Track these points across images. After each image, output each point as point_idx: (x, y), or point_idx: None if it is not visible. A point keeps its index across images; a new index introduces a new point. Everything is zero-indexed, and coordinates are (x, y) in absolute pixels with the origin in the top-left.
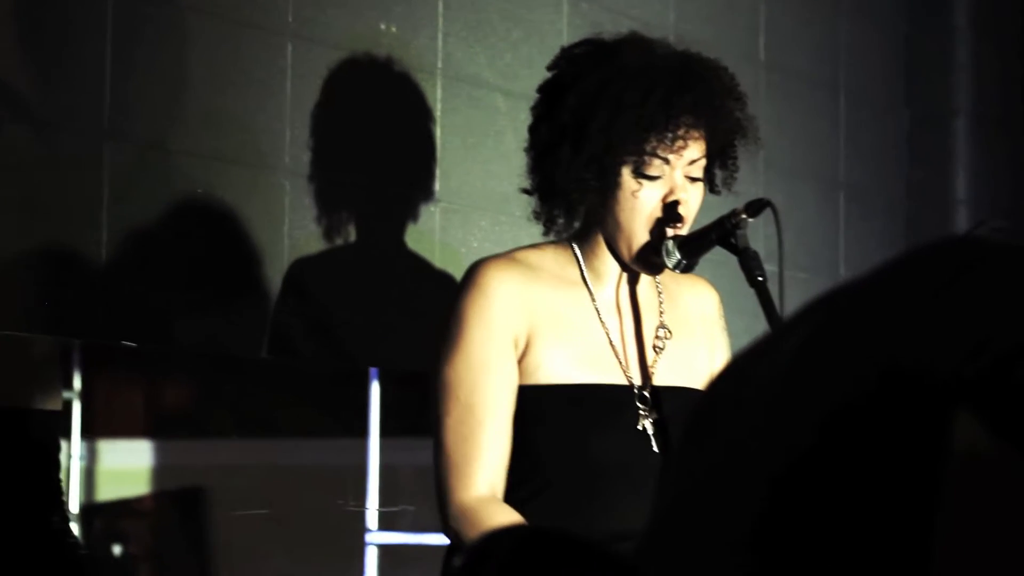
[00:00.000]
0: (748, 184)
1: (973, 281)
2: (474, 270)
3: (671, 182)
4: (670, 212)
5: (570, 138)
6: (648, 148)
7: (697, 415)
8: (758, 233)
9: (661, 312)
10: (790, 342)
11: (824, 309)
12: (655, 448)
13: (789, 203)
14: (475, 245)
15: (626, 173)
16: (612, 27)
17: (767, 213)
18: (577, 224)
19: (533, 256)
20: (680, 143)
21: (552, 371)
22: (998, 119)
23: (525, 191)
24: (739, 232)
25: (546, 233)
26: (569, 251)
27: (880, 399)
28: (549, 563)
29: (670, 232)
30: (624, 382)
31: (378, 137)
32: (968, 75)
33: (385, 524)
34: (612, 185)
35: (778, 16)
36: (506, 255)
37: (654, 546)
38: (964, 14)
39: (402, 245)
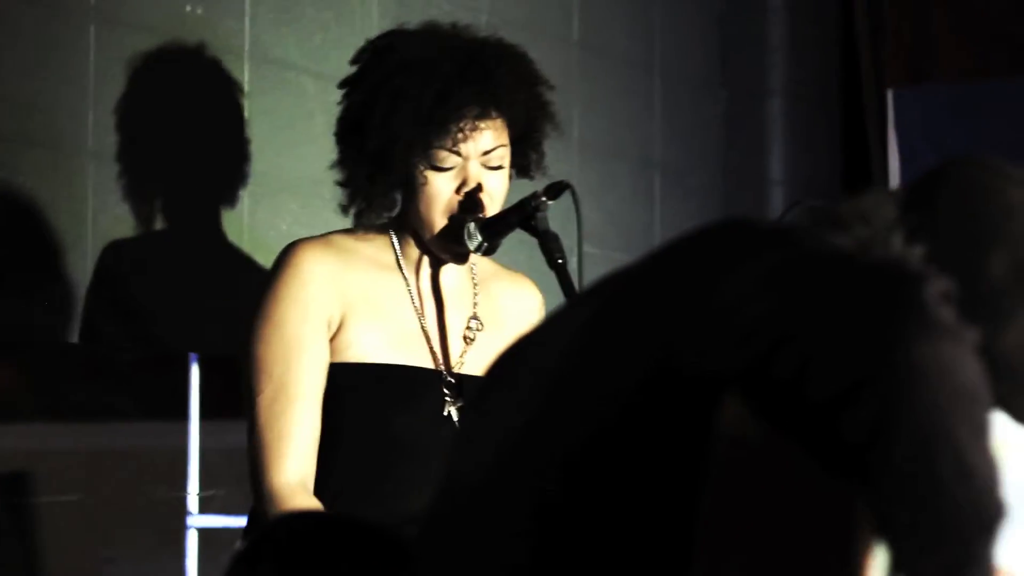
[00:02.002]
0: (563, 164)
1: (741, 274)
2: (289, 251)
3: (465, 172)
4: (467, 202)
5: (357, 135)
6: (432, 141)
7: (476, 400)
8: (570, 212)
9: (475, 304)
10: (567, 330)
11: (603, 295)
12: None
13: (604, 183)
14: (284, 228)
15: (417, 166)
16: (424, 8)
17: (571, 195)
18: (388, 214)
19: (350, 240)
20: (463, 134)
21: (362, 351)
22: (813, 99)
23: (339, 183)
24: (539, 214)
25: (356, 225)
26: (386, 237)
27: (650, 390)
28: (327, 548)
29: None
30: (432, 367)
31: (185, 120)
32: (783, 56)
33: (205, 508)
34: (405, 179)
35: None
36: (321, 237)
37: (433, 532)
38: None
39: (211, 228)
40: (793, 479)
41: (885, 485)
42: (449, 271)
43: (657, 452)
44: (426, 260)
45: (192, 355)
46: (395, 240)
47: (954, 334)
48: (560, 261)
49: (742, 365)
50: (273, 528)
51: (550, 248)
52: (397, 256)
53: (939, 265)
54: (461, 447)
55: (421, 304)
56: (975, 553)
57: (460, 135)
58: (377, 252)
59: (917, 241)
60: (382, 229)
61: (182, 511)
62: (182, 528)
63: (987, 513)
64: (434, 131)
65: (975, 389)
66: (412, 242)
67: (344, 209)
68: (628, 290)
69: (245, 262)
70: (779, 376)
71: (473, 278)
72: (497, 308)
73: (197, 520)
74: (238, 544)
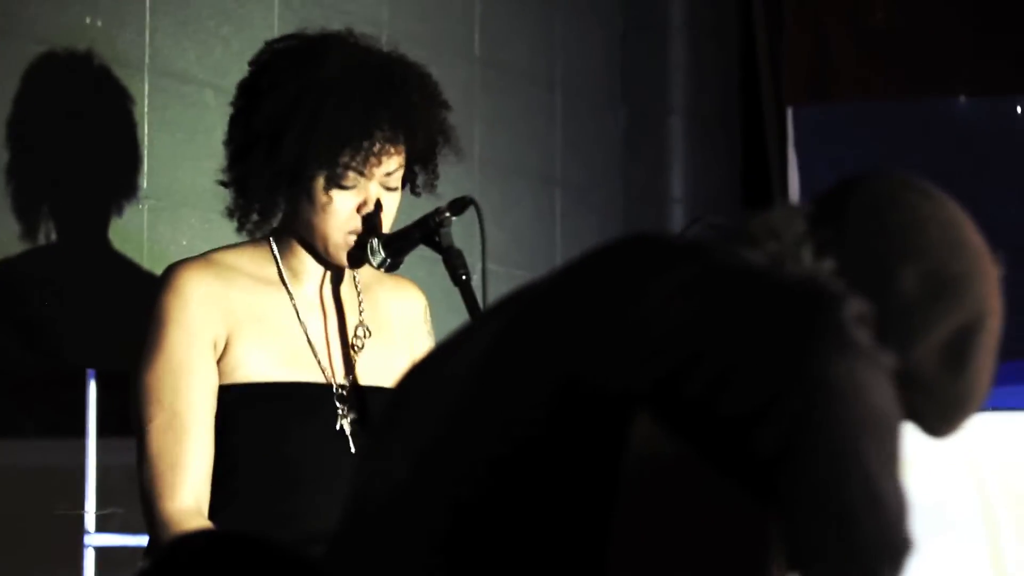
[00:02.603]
0: (463, 181)
1: (650, 290)
2: (169, 273)
3: (365, 192)
4: (366, 222)
5: (264, 146)
6: (342, 162)
7: (386, 416)
8: (473, 228)
9: (361, 311)
10: (478, 344)
11: (514, 309)
12: (352, 448)
13: (505, 200)
14: (184, 243)
15: (319, 183)
16: (324, 23)
17: (475, 210)
18: (275, 222)
19: (230, 256)
20: (376, 158)
21: (250, 370)
22: (714, 118)
23: (222, 183)
24: (443, 230)
25: (240, 230)
26: (267, 249)
27: (560, 407)
28: (233, 566)
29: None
30: (323, 381)
31: (83, 133)
32: (684, 74)
33: (103, 526)
34: (305, 194)
35: (493, 11)
36: (202, 256)
37: (344, 549)
38: (680, 13)
39: (110, 244)
40: (705, 497)
41: (794, 505)
42: (333, 280)
43: (569, 468)
44: (309, 270)
45: (90, 371)
46: (276, 251)
47: (870, 356)
48: (464, 277)
49: (653, 381)
50: (175, 547)
51: (454, 264)
52: (279, 268)
53: (849, 280)
54: (369, 464)
55: (306, 317)
56: None
57: (372, 159)
58: (258, 267)
59: (827, 256)
60: (263, 242)
61: (79, 529)
62: (79, 547)
63: (894, 544)
64: (349, 152)
65: (888, 414)
66: (295, 252)
67: (231, 213)
68: (539, 305)
69: (145, 277)
70: (691, 392)
71: (356, 285)
72: (383, 314)
73: (95, 539)
74: (140, 564)
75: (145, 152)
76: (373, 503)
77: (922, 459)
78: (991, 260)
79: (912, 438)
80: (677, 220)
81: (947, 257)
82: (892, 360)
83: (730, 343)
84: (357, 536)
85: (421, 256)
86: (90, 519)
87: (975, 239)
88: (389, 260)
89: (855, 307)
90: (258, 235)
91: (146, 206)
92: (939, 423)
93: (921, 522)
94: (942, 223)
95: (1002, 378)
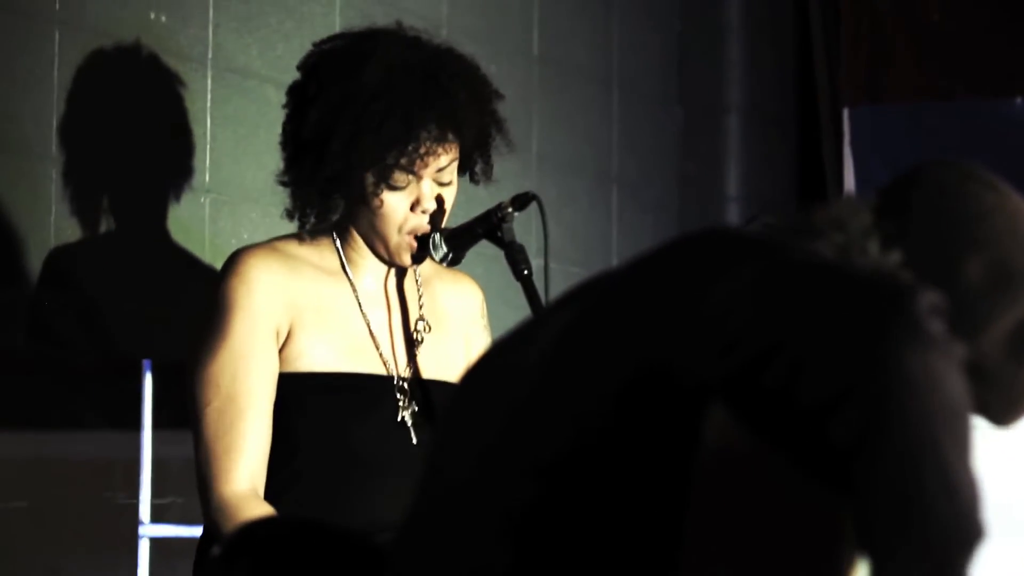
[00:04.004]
0: (521, 179)
1: (726, 283)
2: (234, 259)
3: (418, 190)
4: (421, 221)
5: (312, 154)
6: (390, 163)
7: (455, 406)
8: (530, 225)
9: (421, 306)
10: (547, 336)
11: (585, 301)
12: (414, 440)
13: (562, 198)
14: (245, 237)
15: (370, 185)
16: (385, 20)
17: (535, 206)
18: (335, 217)
19: (293, 246)
20: (422, 160)
21: (313, 360)
22: (770, 117)
23: (281, 183)
24: (505, 225)
25: (300, 228)
26: (330, 241)
27: (633, 398)
28: (303, 552)
29: (416, 233)
30: (384, 373)
31: (146, 128)
32: (740, 72)
33: (158, 517)
34: (359, 196)
35: (552, 11)
36: (267, 244)
37: (411, 538)
38: (737, 12)
39: (172, 236)
40: (778, 489)
41: (869, 495)
42: (393, 274)
43: (641, 460)
44: (370, 263)
45: (146, 362)
46: (338, 244)
47: (944, 347)
48: (526, 272)
49: (728, 373)
50: (246, 533)
51: (516, 259)
52: (342, 261)
53: (915, 271)
54: (437, 455)
55: (368, 309)
56: (954, 570)
57: (421, 159)
58: (322, 257)
59: (893, 247)
60: (325, 233)
61: (134, 520)
62: (135, 537)
63: (969, 531)
64: (396, 153)
65: (961, 404)
66: (355, 246)
67: (290, 215)
68: (611, 297)
69: (205, 270)
70: (767, 384)
71: (417, 279)
72: (441, 308)
73: (149, 529)
74: (199, 551)
75: (207, 146)
76: (441, 494)
77: (990, 458)
78: None
79: (979, 437)
80: (732, 218)
81: (1012, 248)
82: (964, 350)
83: (806, 334)
84: (424, 526)
85: (480, 253)
86: (145, 509)
87: None
88: (451, 255)
89: (929, 298)
90: (321, 227)
91: (208, 200)
92: (1004, 413)
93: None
94: (1007, 214)
95: None
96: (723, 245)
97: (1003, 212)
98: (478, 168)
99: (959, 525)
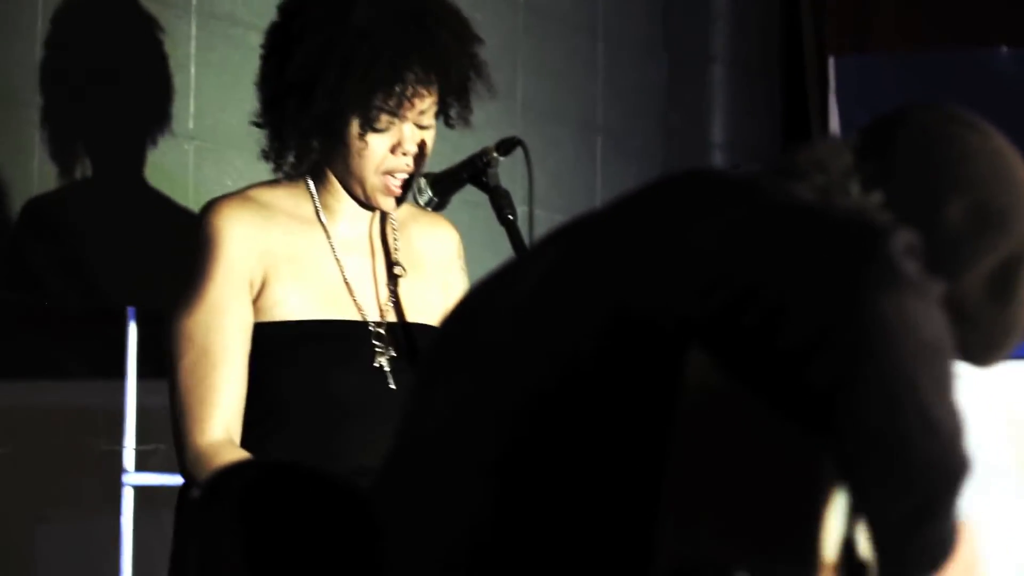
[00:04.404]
0: (505, 127)
1: (706, 225)
2: (207, 211)
3: (399, 133)
4: (400, 163)
5: (297, 94)
6: (376, 106)
7: (437, 348)
8: (515, 173)
9: (396, 250)
10: (529, 277)
11: (566, 243)
12: (392, 385)
13: (546, 145)
14: (229, 184)
15: (354, 128)
16: None
17: (521, 152)
18: (311, 160)
19: (267, 194)
20: (408, 101)
21: (288, 309)
22: (755, 66)
23: (256, 125)
24: (490, 170)
25: (276, 171)
26: (303, 188)
27: (614, 338)
28: (283, 492)
29: (398, 177)
30: (359, 319)
31: (130, 75)
32: (726, 22)
33: (142, 465)
34: (340, 139)
35: None
36: (239, 194)
37: (392, 480)
38: None
39: (155, 184)
40: (757, 430)
41: (850, 435)
42: (368, 219)
43: (622, 402)
44: (345, 208)
45: (131, 310)
46: (313, 190)
47: (920, 288)
48: (511, 217)
49: (709, 314)
50: (226, 475)
51: (500, 204)
52: (316, 207)
53: (897, 212)
54: (418, 397)
55: (343, 255)
56: (939, 505)
57: (406, 102)
58: (295, 204)
59: (874, 188)
60: (299, 180)
61: (118, 468)
62: (118, 485)
63: (952, 466)
64: (382, 96)
65: (940, 343)
66: (331, 191)
67: (267, 157)
68: (592, 238)
69: (189, 217)
70: (747, 324)
71: (392, 223)
72: (417, 252)
73: (133, 478)
74: (193, 492)
75: (192, 93)
76: (422, 436)
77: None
78: None
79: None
80: (716, 166)
81: (994, 189)
82: (941, 289)
83: (784, 277)
84: (406, 468)
85: (465, 200)
86: (129, 458)
87: (1020, 170)
88: (437, 199)
89: (905, 239)
90: (296, 173)
91: (192, 147)
92: (984, 354)
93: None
94: (989, 155)
95: None
96: (703, 187)
97: (986, 153)
98: (454, 112)
99: (942, 460)
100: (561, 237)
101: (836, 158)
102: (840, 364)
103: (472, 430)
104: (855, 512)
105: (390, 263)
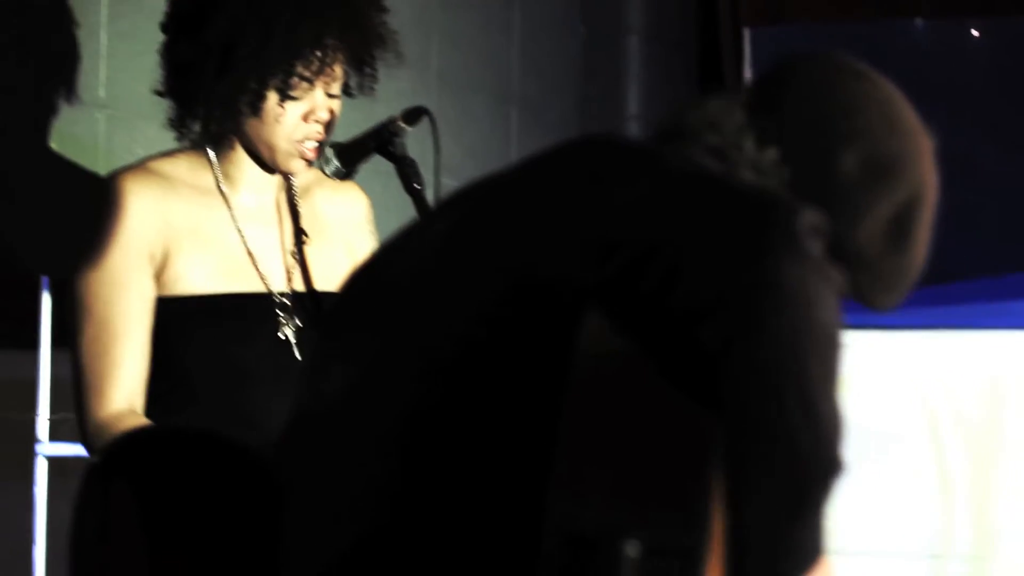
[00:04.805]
0: (420, 97)
1: (605, 191)
2: (109, 184)
3: (312, 100)
4: (312, 130)
5: (215, 60)
6: (296, 72)
7: (337, 313)
8: (428, 143)
9: (299, 217)
10: (429, 242)
11: (465, 207)
12: (297, 355)
13: (461, 116)
14: (140, 152)
15: (272, 95)
16: None
17: (429, 120)
18: (218, 128)
19: (167, 165)
20: (328, 68)
21: (191, 282)
22: (671, 38)
23: (159, 93)
24: (397, 140)
25: (180, 139)
26: (204, 158)
27: (512, 304)
28: (185, 458)
29: (312, 144)
30: (263, 290)
31: (40, 42)
32: None
33: (55, 435)
34: (251, 106)
35: None
36: (140, 166)
37: (295, 444)
38: None
39: (66, 153)
40: (652, 396)
41: (734, 401)
42: (270, 187)
43: (518, 365)
44: (247, 178)
45: (44, 279)
46: (213, 160)
47: (821, 269)
48: (417, 187)
49: (606, 278)
50: (127, 440)
51: (407, 173)
52: (217, 177)
53: (792, 167)
54: (318, 366)
55: (245, 225)
56: (810, 499)
57: (327, 67)
58: (196, 175)
59: (768, 144)
60: (199, 150)
61: (31, 438)
62: (30, 456)
63: (826, 461)
64: (302, 63)
65: (832, 330)
66: (232, 160)
67: (173, 125)
68: (491, 204)
69: (101, 186)
70: (643, 289)
71: (294, 191)
72: (322, 218)
73: (46, 448)
74: (92, 458)
75: (103, 61)
76: (323, 403)
77: (870, 381)
78: (926, 134)
79: (860, 362)
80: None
81: (885, 137)
82: (841, 277)
83: (684, 241)
84: (307, 435)
85: (377, 171)
86: (42, 428)
87: (910, 116)
88: (344, 170)
89: (810, 219)
90: (200, 145)
91: (103, 115)
92: (884, 297)
93: (871, 442)
94: (878, 104)
95: (943, 298)
96: (603, 154)
97: (875, 102)
98: (355, 83)
99: (816, 453)
100: (462, 201)
101: (728, 116)
102: (732, 327)
103: (372, 396)
104: (727, 493)
105: (294, 231)
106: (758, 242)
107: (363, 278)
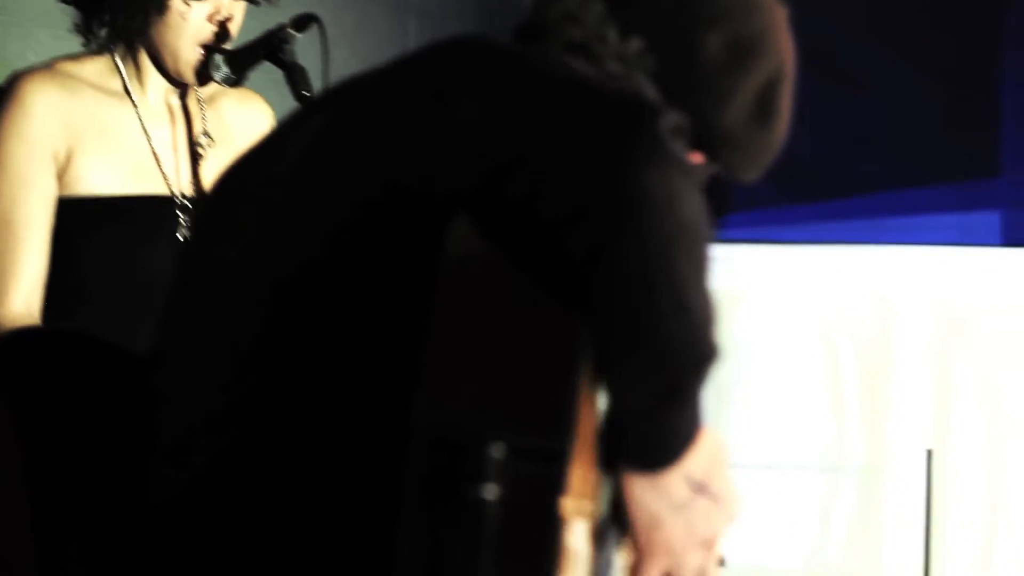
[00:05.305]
0: (315, 4)
1: (472, 95)
2: (13, 84)
3: (217, 2)
4: (218, 31)
5: None
6: None
7: (206, 216)
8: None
9: (204, 120)
10: (298, 144)
11: (334, 110)
12: None
13: (359, 25)
14: (33, 59)
15: None
16: None
17: (318, 28)
18: (123, 31)
19: (73, 67)
20: None
21: (93, 183)
22: None
23: (64, 1)
24: (286, 47)
25: (86, 44)
26: (110, 61)
27: (378, 209)
28: (58, 358)
29: (208, 46)
30: (167, 192)
31: None
32: None
33: None
34: (156, 8)
35: None
36: (45, 67)
37: (166, 345)
38: None
39: None
40: (518, 300)
41: (602, 309)
42: (176, 91)
43: (385, 271)
44: (153, 82)
45: None
46: (120, 63)
47: (683, 168)
48: (306, 94)
49: (473, 185)
50: (7, 339)
51: (295, 81)
52: (124, 79)
53: (657, 55)
54: (190, 266)
55: (150, 127)
56: (683, 387)
57: None
58: (102, 78)
59: (632, 34)
60: (105, 53)
61: None
62: None
63: (699, 350)
64: None
65: (698, 225)
66: (141, 65)
67: (78, 29)
68: (362, 106)
69: None
70: (509, 196)
71: (199, 98)
72: (227, 125)
73: None
74: None
75: None
76: (192, 305)
77: (763, 296)
78: (780, 5)
79: (753, 277)
80: None
81: (745, 16)
82: (707, 169)
83: (549, 149)
84: (177, 337)
85: (270, 79)
86: None
87: None
88: (234, 76)
89: (671, 119)
90: (106, 47)
91: None
92: (750, 172)
93: (763, 357)
94: None
95: (835, 213)
96: (472, 56)
97: None
98: None
99: (689, 343)
100: (330, 104)
101: (588, 8)
102: (598, 236)
103: (238, 304)
104: (603, 390)
105: (199, 135)
106: (620, 148)
107: (233, 179)
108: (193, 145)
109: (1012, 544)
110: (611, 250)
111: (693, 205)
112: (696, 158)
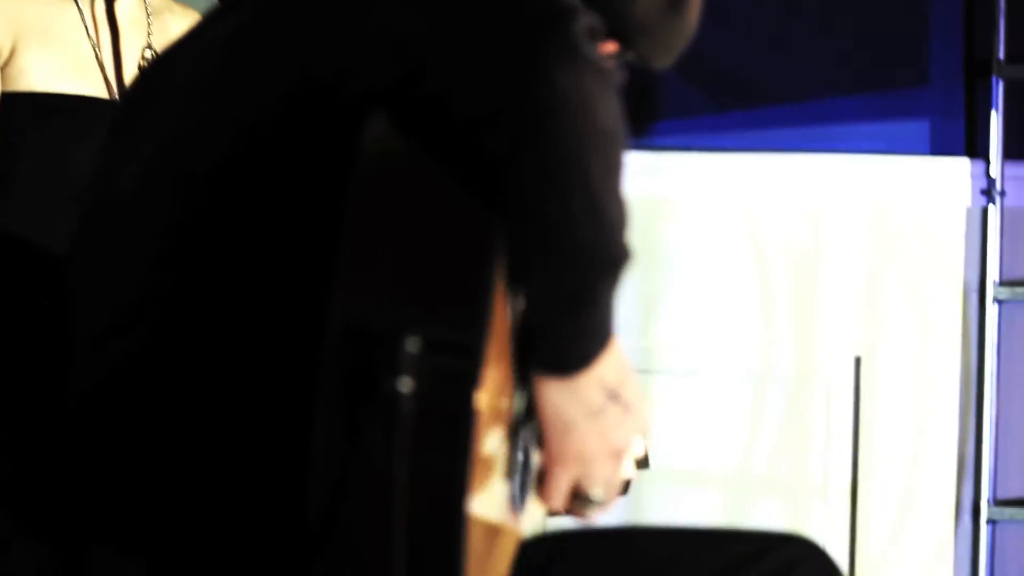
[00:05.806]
0: None
1: None
2: None
3: None
4: None
5: None
6: None
7: (122, 113)
8: None
9: (149, 33)
10: (213, 40)
11: (244, 10)
12: None
13: None
14: None
15: None
16: None
17: None
18: None
19: None
20: None
21: (33, 79)
22: None
23: None
24: None
25: None
26: None
27: (292, 107)
28: None
29: None
30: (107, 96)
31: None
32: None
33: None
34: None
35: None
36: None
37: (81, 244)
38: None
39: None
40: (434, 194)
41: (516, 211)
42: (123, 2)
43: (298, 170)
44: None
45: None
46: None
47: (598, 71)
48: None
49: (389, 83)
50: None
51: None
52: None
53: None
54: (105, 163)
55: (96, 34)
56: (595, 289)
57: None
58: None
59: None
60: None
61: None
62: None
63: (611, 252)
64: None
65: (613, 129)
66: None
67: None
68: (275, 3)
69: None
70: (424, 95)
71: (147, 8)
72: (170, 38)
73: None
74: None
75: None
76: (107, 202)
77: (694, 203)
78: None
79: (685, 184)
80: None
81: None
82: (619, 76)
83: (464, 48)
84: (91, 235)
85: None
86: None
87: None
88: None
89: (586, 21)
90: None
91: None
92: (665, 57)
93: (693, 263)
94: None
95: (767, 121)
96: None
97: None
98: None
99: (602, 244)
100: (241, 2)
101: None
102: (512, 137)
103: (153, 195)
104: (516, 290)
105: (142, 46)
106: (536, 51)
107: (150, 76)
108: (137, 55)
109: (937, 451)
110: (524, 151)
111: (609, 109)
112: (610, 47)
